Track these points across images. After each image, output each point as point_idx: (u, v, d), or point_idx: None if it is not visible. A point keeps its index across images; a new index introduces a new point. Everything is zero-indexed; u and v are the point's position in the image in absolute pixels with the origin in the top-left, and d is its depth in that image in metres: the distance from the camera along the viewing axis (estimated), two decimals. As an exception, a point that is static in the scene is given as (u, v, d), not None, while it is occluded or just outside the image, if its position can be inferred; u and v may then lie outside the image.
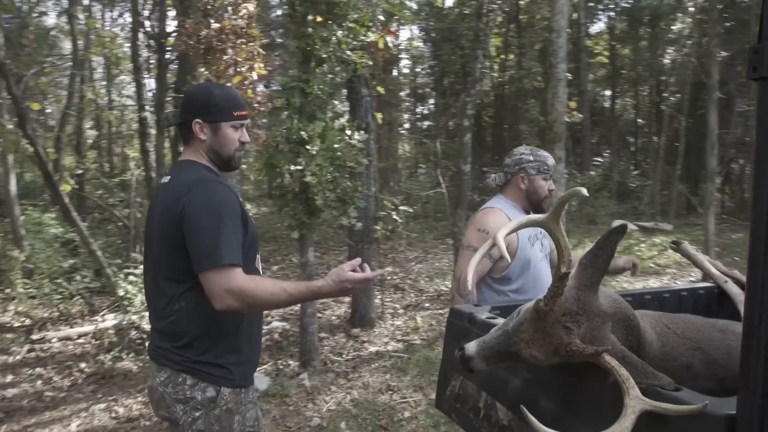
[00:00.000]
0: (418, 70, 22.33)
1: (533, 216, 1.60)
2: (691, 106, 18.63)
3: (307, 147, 4.65)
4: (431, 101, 23.91)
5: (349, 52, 4.80)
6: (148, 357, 2.07)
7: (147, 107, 6.99)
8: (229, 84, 3.64)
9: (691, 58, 18.02)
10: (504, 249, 1.41)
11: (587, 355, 1.47)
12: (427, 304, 7.61)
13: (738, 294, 2.69)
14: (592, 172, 19.12)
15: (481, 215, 2.61)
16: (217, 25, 3.50)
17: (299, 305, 5.20)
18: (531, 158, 2.60)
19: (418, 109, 24.41)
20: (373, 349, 5.83)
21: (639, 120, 26.60)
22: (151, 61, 9.24)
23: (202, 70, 3.62)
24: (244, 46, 3.63)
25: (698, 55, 18.27)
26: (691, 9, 19.43)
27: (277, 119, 4.58)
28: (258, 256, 2.11)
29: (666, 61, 22.83)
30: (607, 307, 1.59)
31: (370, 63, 5.05)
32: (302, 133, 4.59)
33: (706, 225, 8.65)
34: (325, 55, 4.74)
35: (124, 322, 5.79)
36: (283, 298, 1.88)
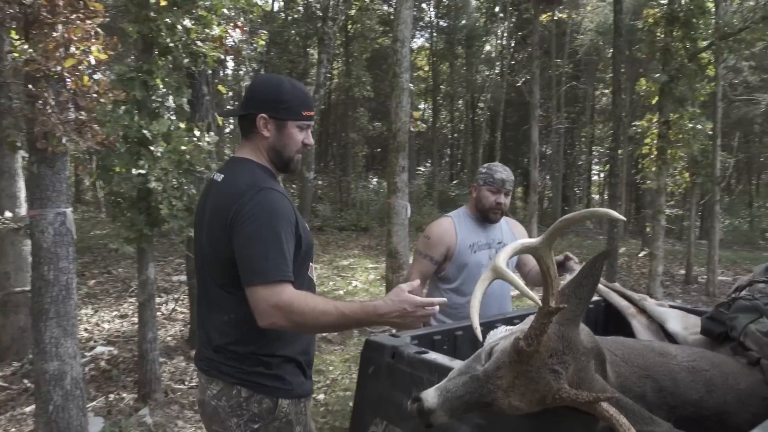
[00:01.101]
0: (241, 72, 21.53)
1: (526, 240, 1.38)
2: (504, 121, 20.22)
3: (151, 148, 4.05)
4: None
5: (199, 43, 4.28)
6: (195, 368, 1.87)
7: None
8: (60, 67, 2.97)
9: (503, 77, 19.55)
10: (510, 275, 1.28)
11: (580, 403, 1.27)
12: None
13: (626, 306, 2.73)
14: (416, 181, 19.90)
15: (431, 224, 2.92)
16: (46, -6, 2.83)
17: (139, 332, 4.51)
18: (483, 170, 2.88)
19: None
20: (218, 372, 5.26)
21: (455, 134, 28.37)
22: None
23: (26, 46, 2.90)
24: (80, 22, 2.99)
25: (510, 74, 19.89)
26: (500, 32, 21.13)
27: (114, 115, 3.91)
28: (312, 264, 1.97)
29: (479, 79, 24.62)
30: (587, 342, 1.41)
31: (222, 57, 4.55)
32: (144, 132, 3.98)
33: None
34: (171, 44, 4.18)
35: None
36: (334, 319, 1.68)
